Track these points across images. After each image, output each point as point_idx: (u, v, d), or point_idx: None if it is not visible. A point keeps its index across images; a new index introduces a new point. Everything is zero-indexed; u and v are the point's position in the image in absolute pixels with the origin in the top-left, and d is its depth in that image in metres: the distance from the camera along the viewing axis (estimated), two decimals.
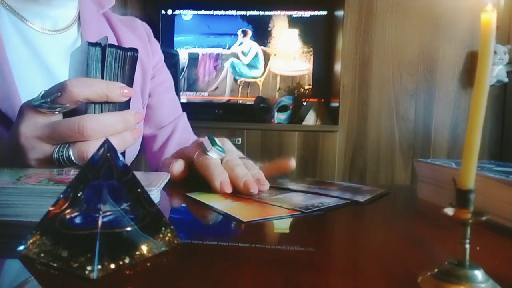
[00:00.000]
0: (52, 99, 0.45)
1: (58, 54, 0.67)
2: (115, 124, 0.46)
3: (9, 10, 0.64)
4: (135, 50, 0.50)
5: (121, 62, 0.49)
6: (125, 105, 0.49)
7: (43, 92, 0.46)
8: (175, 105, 0.88)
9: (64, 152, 0.44)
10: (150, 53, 0.82)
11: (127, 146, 0.48)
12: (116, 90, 0.46)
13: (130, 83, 0.50)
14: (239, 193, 0.48)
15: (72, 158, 0.44)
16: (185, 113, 0.88)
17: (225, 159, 0.54)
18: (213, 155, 0.53)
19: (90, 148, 0.44)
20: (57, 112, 0.46)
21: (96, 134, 0.44)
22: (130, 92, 0.48)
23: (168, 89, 0.87)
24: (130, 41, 0.77)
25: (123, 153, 0.52)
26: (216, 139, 0.55)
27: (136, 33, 0.81)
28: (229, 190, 0.48)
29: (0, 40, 0.60)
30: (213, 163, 0.52)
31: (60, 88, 0.45)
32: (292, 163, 0.56)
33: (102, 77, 0.48)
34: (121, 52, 0.48)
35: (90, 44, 0.47)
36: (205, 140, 0.55)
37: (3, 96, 0.48)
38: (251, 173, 0.51)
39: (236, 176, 0.49)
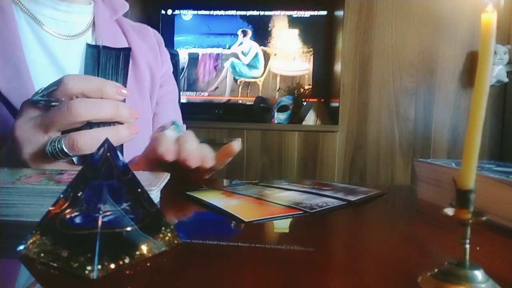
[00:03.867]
0: (48, 92, 0.46)
1: (74, 59, 0.68)
2: (106, 107, 0.46)
3: (27, 13, 0.65)
4: (128, 49, 0.51)
5: (115, 61, 0.50)
6: None
7: (42, 88, 0.47)
8: (178, 117, 0.89)
9: (56, 144, 0.45)
10: (160, 62, 0.83)
11: (122, 140, 0.48)
12: (112, 87, 0.47)
13: (124, 80, 0.51)
14: (180, 163, 0.51)
15: (64, 148, 0.44)
16: (185, 126, 0.89)
17: (181, 136, 0.56)
18: (170, 133, 0.56)
19: (81, 136, 0.44)
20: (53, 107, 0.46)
21: (85, 113, 0.44)
22: (126, 93, 0.48)
23: (173, 100, 0.88)
24: (140, 49, 0.79)
25: (121, 150, 0.52)
26: (178, 124, 0.59)
27: (147, 41, 0.82)
28: (170, 158, 0.51)
29: (19, 42, 0.62)
30: (165, 136, 0.55)
31: (57, 82, 0.46)
32: (236, 145, 0.58)
33: (98, 75, 0.50)
34: (115, 51, 0.50)
35: (88, 45, 0.49)
36: (168, 123, 0.59)
37: (22, 98, 0.49)
38: (201, 151, 0.54)
39: (183, 149, 0.53)
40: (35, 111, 0.47)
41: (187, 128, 0.90)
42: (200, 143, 0.58)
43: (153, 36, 0.85)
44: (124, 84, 0.51)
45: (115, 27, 0.77)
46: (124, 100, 0.49)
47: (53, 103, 0.46)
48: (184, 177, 0.58)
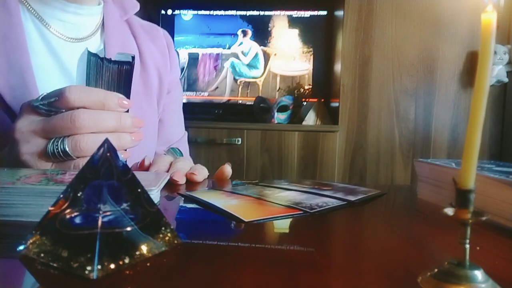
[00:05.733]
0: (49, 102, 0.45)
1: (81, 62, 0.67)
2: (108, 119, 0.46)
3: (34, 14, 0.64)
4: (130, 64, 0.50)
5: (117, 74, 0.50)
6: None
7: (44, 94, 0.47)
8: (182, 124, 0.88)
9: (59, 144, 0.45)
10: (169, 66, 0.80)
11: (124, 146, 0.48)
12: (114, 100, 0.47)
13: (127, 94, 0.50)
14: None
15: (67, 149, 0.44)
16: (186, 133, 0.88)
17: (176, 158, 0.62)
18: (168, 154, 0.62)
19: (84, 139, 0.44)
20: (53, 114, 0.46)
21: (88, 125, 0.44)
22: (128, 104, 0.48)
23: (179, 108, 0.87)
24: (149, 51, 0.77)
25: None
26: (179, 150, 0.66)
27: (156, 43, 0.80)
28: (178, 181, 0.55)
29: (25, 47, 0.60)
30: (162, 158, 0.60)
31: (58, 93, 0.45)
32: (228, 169, 0.62)
33: (100, 87, 0.49)
34: (117, 65, 0.49)
35: (90, 53, 0.48)
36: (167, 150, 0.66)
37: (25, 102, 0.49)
38: (191, 168, 0.59)
39: (172, 167, 0.57)
40: (35, 115, 0.46)
41: (186, 129, 0.90)
42: (195, 164, 0.62)
43: (163, 38, 0.82)
44: (127, 96, 0.51)
45: (125, 28, 0.75)
46: (127, 110, 0.49)
47: (53, 112, 0.46)
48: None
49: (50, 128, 0.45)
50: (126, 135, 0.48)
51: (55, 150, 0.45)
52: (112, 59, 0.49)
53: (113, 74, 0.49)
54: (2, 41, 0.59)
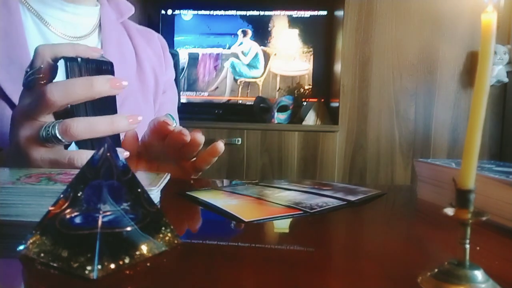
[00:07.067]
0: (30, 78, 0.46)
1: None
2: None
3: (34, 13, 0.66)
4: (110, 64, 0.49)
5: (96, 75, 0.48)
6: (111, 99, 0.48)
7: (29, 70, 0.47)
8: (177, 124, 0.90)
9: (50, 129, 0.44)
10: (164, 67, 0.84)
11: (118, 130, 0.47)
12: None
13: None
14: (171, 140, 0.54)
15: (57, 133, 0.44)
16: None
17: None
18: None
19: (74, 123, 0.44)
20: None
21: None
22: (120, 84, 0.47)
23: (174, 107, 0.90)
24: (145, 52, 0.80)
25: (118, 141, 0.51)
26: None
27: (152, 45, 0.83)
28: (171, 123, 0.54)
29: (25, 43, 0.62)
30: (162, 116, 0.58)
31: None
32: (221, 145, 0.58)
33: None
34: (95, 64, 0.48)
35: (66, 59, 0.47)
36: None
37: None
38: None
39: (176, 127, 0.55)
40: (27, 98, 0.46)
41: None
42: None
43: (158, 40, 0.86)
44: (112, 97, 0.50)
45: (121, 29, 0.78)
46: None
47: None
48: (177, 170, 0.59)
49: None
50: (121, 119, 0.47)
51: (47, 135, 0.44)
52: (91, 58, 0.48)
53: (92, 74, 0.47)
54: (3, 37, 0.61)
